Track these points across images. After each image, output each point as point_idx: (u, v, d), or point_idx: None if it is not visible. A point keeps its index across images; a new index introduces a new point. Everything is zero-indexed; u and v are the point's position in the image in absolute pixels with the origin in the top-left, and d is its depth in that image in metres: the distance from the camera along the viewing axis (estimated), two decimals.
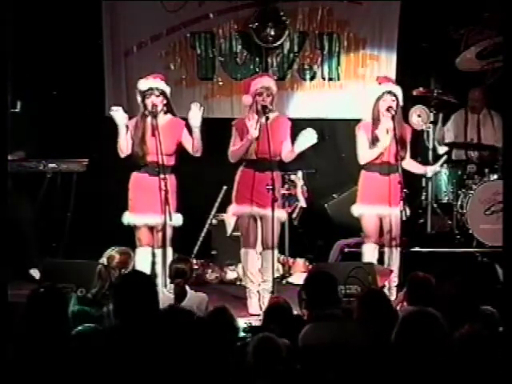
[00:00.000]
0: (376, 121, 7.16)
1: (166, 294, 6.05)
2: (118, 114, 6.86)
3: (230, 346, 4.18)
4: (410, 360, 3.99)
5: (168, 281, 6.36)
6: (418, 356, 4.01)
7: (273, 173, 6.84)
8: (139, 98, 6.98)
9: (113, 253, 6.72)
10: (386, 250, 7.21)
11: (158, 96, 6.91)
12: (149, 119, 6.93)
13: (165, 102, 6.95)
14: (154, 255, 6.93)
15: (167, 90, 6.99)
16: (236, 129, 7.18)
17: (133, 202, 6.96)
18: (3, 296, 4.60)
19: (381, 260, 7.26)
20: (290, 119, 7.38)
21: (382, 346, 4.25)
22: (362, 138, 7.19)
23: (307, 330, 4.59)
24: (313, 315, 4.73)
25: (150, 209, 6.82)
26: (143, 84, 6.95)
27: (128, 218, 6.94)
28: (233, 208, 7.27)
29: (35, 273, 7.65)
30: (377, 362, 4.06)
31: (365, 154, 7.17)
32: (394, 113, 7.04)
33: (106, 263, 6.73)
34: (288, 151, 7.10)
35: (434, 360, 4.01)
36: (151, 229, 6.93)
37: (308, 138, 7.00)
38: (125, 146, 6.96)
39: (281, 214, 7.17)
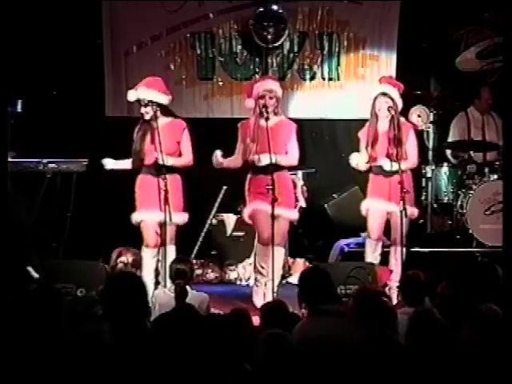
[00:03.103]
0: (372, 121, 7.19)
1: (167, 293, 6.05)
2: (109, 165, 7.05)
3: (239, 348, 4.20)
4: (415, 360, 4.02)
5: (169, 281, 6.37)
6: (422, 356, 4.04)
7: (273, 174, 6.83)
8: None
9: (127, 256, 6.72)
10: (391, 249, 7.22)
11: (145, 106, 6.95)
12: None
13: (156, 109, 6.96)
14: (158, 254, 6.97)
15: (156, 97, 6.98)
16: (240, 131, 7.17)
17: (139, 202, 7.03)
18: (3, 296, 4.61)
19: (385, 259, 7.26)
20: (295, 121, 7.35)
21: (376, 343, 4.27)
22: (360, 144, 7.23)
23: (301, 324, 4.63)
24: (308, 310, 4.77)
25: (154, 206, 6.87)
26: (131, 95, 7.02)
27: (135, 217, 7.00)
28: (247, 209, 7.21)
29: (34, 273, 7.64)
30: (369, 359, 4.07)
31: (354, 157, 7.21)
32: (386, 114, 7.06)
33: (118, 265, 6.73)
34: (291, 157, 7.11)
35: (437, 360, 4.03)
36: (158, 227, 6.96)
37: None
38: (128, 166, 7.12)
39: (292, 214, 7.17)
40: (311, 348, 4.14)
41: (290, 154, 7.11)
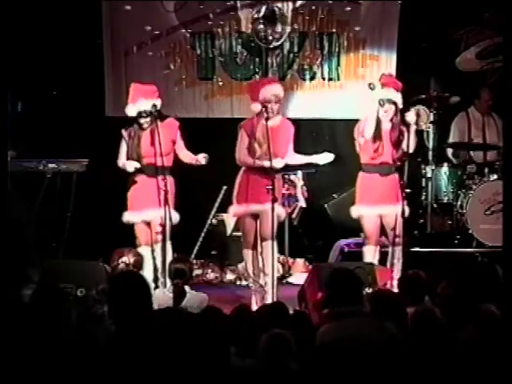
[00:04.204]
0: (376, 124, 7.24)
1: (166, 293, 6.05)
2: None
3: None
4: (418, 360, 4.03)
5: (168, 281, 6.38)
6: (424, 356, 4.04)
7: (273, 174, 6.85)
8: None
9: (128, 256, 6.74)
10: (390, 248, 7.23)
11: (146, 116, 6.96)
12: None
13: (155, 115, 6.98)
14: (153, 253, 6.99)
15: (154, 104, 7.01)
16: (244, 130, 7.17)
17: (130, 201, 7.09)
18: (3, 296, 4.61)
19: (383, 260, 7.27)
20: (292, 121, 7.39)
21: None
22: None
23: (327, 327, 4.50)
24: (333, 313, 4.62)
25: (146, 206, 6.95)
26: (131, 110, 7.03)
27: (127, 217, 7.06)
28: (233, 208, 7.28)
29: (34, 273, 7.64)
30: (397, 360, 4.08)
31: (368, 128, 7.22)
32: (389, 118, 7.13)
33: (120, 265, 6.74)
34: (293, 155, 7.21)
35: (439, 360, 4.03)
36: (148, 226, 7.01)
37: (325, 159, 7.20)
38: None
39: (280, 211, 7.19)
40: (344, 350, 4.11)
41: (296, 155, 7.24)
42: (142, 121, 6.99)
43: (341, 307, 4.55)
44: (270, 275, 7.02)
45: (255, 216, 7.12)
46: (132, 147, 7.04)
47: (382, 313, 4.54)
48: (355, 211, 7.31)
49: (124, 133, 7.10)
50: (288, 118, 7.48)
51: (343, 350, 4.00)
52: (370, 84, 7.20)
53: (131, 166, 7.02)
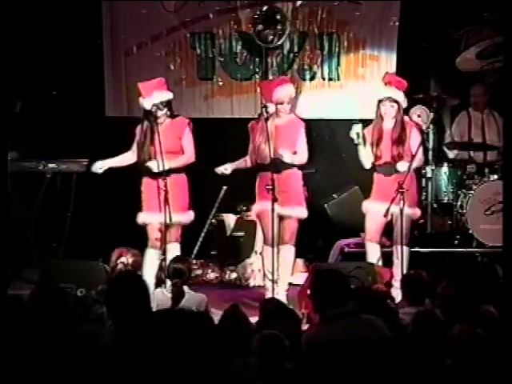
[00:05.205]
0: (378, 122, 7.26)
1: (165, 294, 6.05)
2: (99, 169, 7.13)
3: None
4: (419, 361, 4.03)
5: (168, 281, 6.38)
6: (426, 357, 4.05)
7: (273, 173, 6.84)
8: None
9: (127, 256, 6.74)
10: (394, 249, 7.23)
11: (162, 109, 6.96)
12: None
13: (168, 108, 6.97)
14: (163, 254, 7.00)
15: (170, 96, 7.02)
16: (252, 131, 7.21)
17: (144, 204, 7.09)
18: (3, 296, 4.61)
19: (388, 259, 7.26)
20: (303, 120, 7.38)
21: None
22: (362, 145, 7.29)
23: (314, 332, 4.49)
24: (321, 317, 4.55)
25: (157, 208, 6.91)
26: (147, 103, 6.95)
27: (141, 218, 7.06)
28: (255, 207, 7.29)
29: (34, 273, 7.65)
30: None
31: (361, 158, 7.28)
32: (392, 116, 7.16)
33: (118, 265, 6.75)
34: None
35: (440, 360, 4.04)
36: (162, 228, 6.99)
37: None
38: (125, 162, 7.17)
39: (299, 212, 7.18)
40: (329, 355, 4.09)
41: (300, 152, 7.15)
42: (159, 114, 6.94)
43: (327, 312, 4.44)
44: (283, 279, 7.12)
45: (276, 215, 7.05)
46: (142, 148, 7.02)
47: (365, 309, 4.53)
48: (364, 206, 7.34)
49: (138, 131, 7.09)
50: (301, 119, 7.46)
51: (322, 353, 4.00)
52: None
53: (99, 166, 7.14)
